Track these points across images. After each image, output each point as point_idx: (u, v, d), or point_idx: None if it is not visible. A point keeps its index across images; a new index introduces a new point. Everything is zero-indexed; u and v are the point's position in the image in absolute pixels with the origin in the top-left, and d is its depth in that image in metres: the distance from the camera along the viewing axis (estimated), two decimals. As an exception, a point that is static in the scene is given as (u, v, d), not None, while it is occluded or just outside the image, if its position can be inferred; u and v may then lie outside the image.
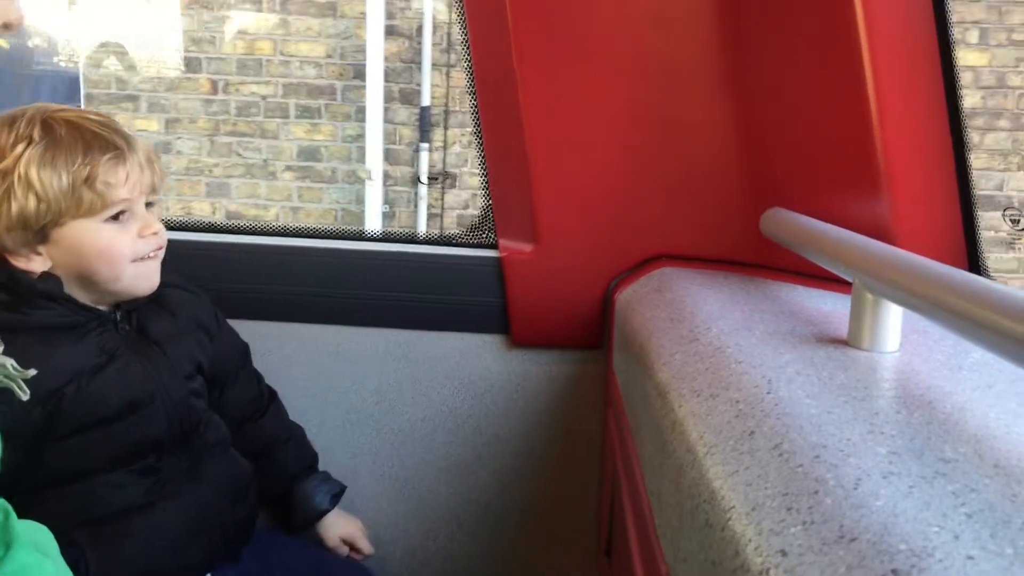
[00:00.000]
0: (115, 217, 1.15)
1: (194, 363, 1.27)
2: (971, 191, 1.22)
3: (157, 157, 1.21)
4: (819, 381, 0.85)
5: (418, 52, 5.18)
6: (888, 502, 0.57)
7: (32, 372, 1.00)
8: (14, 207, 1.10)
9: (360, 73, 5.17)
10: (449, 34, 5.18)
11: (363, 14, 5.09)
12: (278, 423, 1.44)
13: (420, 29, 5.16)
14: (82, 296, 1.17)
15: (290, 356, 1.51)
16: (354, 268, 1.50)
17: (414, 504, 1.57)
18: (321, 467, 1.46)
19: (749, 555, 0.59)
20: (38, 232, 1.12)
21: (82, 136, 1.13)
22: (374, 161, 5.19)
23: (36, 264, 1.14)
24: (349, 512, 1.45)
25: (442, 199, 5.32)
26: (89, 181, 1.11)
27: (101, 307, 1.19)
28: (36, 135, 1.11)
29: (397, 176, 5.34)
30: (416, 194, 5.31)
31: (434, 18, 5.17)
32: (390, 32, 5.17)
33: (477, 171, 5.12)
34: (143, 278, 1.19)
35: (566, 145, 1.37)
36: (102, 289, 1.18)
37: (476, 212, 5.30)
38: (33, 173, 1.09)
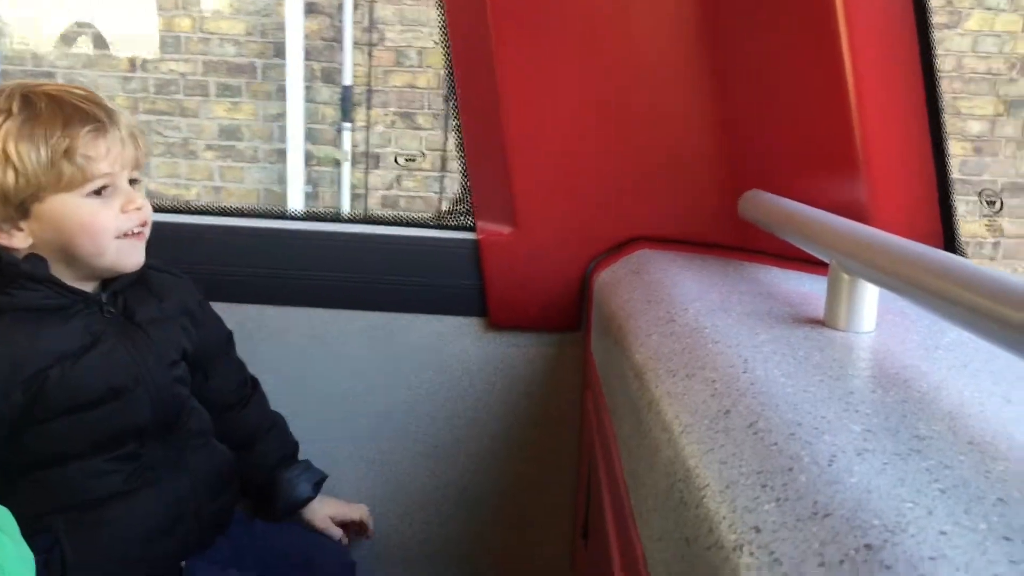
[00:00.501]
0: (97, 192, 1.13)
1: (179, 349, 1.25)
2: (948, 172, 1.22)
3: (141, 133, 1.19)
4: (795, 361, 0.84)
5: (339, 31, 5.14)
6: (862, 479, 0.57)
7: None
8: None
9: (281, 51, 5.12)
10: (371, 12, 5.14)
11: None
12: (260, 412, 1.42)
13: (341, 7, 5.12)
14: (67, 275, 1.16)
15: (266, 338, 1.50)
16: (331, 250, 1.49)
17: (391, 488, 1.56)
18: (299, 451, 1.45)
19: (723, 532, 0.58)
20: (19, 207, 1.10)
21: (62, 109, 1.11)
22: (295, 140, 5.16)
23: (18, 240, 1.12)
24: (327, 495, 1.45)
25: (366, 179, 5.30)
26: (69, 154, 1.10)
27: (87, 288, 1.18)
28: (15, 108, 1.10)
29: (319, 156, 5.32)
30: (339, 174, 5.28)
31: None
32: (311, 10, 5.13)
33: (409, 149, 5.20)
34: (127, 254, 1.17)
35: (544, 127, 1.36)
36: (86, 265, 1.16)
37: (400, 193, 5.30)
38: (11, 147, 1.08)
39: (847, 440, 0.63)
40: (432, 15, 5.06)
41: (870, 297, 0.91)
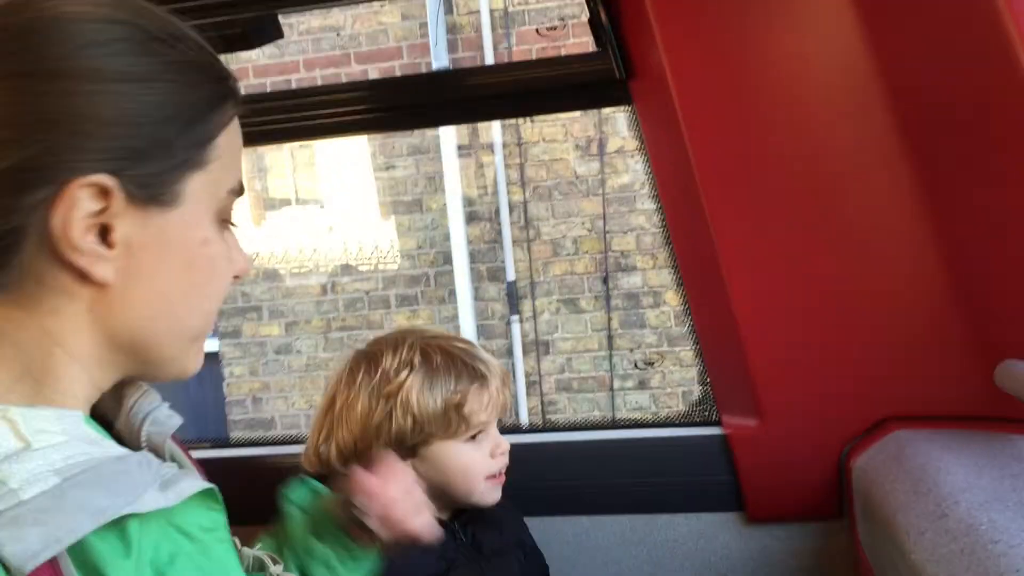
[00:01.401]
0: (472, 437, 1.26)
1: None
2: None
3: (509, 379, 1.32)
4: None
5: (499, 232, 5.62)
6: None
7: None
8: (394, 426, 1.22)
9: (449, 259, 5.64)
10: (525, 212, 5.59)
11: (445, 205, 5.61)
12: None
13: (498, 211, 5.60)
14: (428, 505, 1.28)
15: None
16: (582, 458, 1.55)
17: None
18: None
19: None
20: (409, 448, 1.24)
21: (454, 365, 1.25)
22: (468, 338, 5.53)
23: None
24: None
25: (538, 366, 5.62)
26: (458, 408, 1.23)
27: (442, 516, 1.29)
28: (416, 362, 1.24)
29: (492, 349, 5.63)
30: (512, 363, 5.60)
31: (509, 200, 5.58)
32: (471, 218, 5.65)
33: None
34: (490, 494, 1.29)
35: (777, 315, 1.37)
36: (453, 501, 1.28)
37: (572, 375, 5.58)
38: (413, 398, 1.22)
39: None
40: (581, 206, 5.51)
41: None
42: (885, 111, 1.23)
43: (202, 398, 6.14)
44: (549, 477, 1.55)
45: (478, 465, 1.26)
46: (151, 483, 0.65)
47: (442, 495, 1.27)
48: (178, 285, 0.70)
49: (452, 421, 1.23)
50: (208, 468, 1.74)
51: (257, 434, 5.39)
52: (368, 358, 1.28)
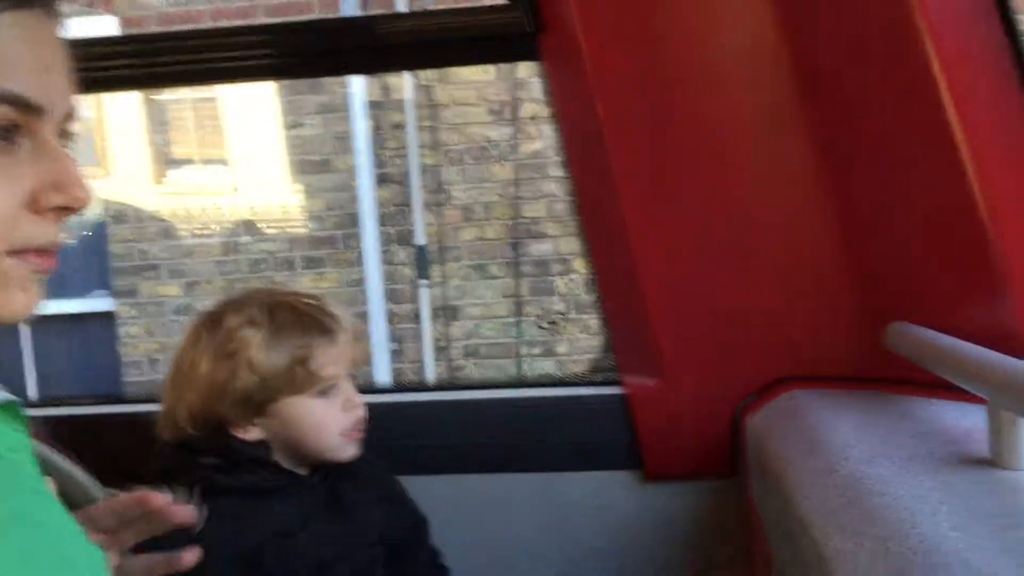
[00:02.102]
0: (323, 392, 1.24)
1: (378, 532, 1.31)
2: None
3: (362, 333, 1.31)
4: (965, 510, 0.84)
5: (409, 195, 5.55)
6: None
7: None
8: (238, 385, 1.20)
9: (357, 221, 5.56)
10: (437, 175, 5.54)
11: (353, 166, 5.50)
12: None
13: (408, 173, 5.53)
14: (285, 461, 1.26)
15: (425, 508, 1.54)
16: (481, 416, 1.54)
17: None
18: None
19: None
20: (256, 406, 1.22)
21: (300, 321, 1.23)
22: (376, 302, 5.50)
23: (252, 434, 1.23)
24: None
25: (447, 332, 5.60)
26: (304, 362, 1.21)
27: (300, 471, 1.27)
28: (260, 319, 1.22)
29: (401, 314, 5.63)
30: (420, 329, 5.58)
31: (421, 162, 5.51)
32: (382, 180, 5.57)
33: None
34: (346, 448, 1.27)
35: (679, 277, 1.39)
36: (307, 456, 1.26)
37: (480, 341, 5.56)
38: (256, 355, 1.20)
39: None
40: (493, 171, 5.46)
41: (1038, 434, 0.90)
42: (790, 74, 1.25)
43: (96, 359, 5.96)
44: (447, 435, 1.55)
45: (330, 420, 1.25)
46: None
47: (296, 452, 1.26)
48: None
49: (298, 376, 1.22)
50: (96, 425, 1.69)
51: (156, 396, 5.26)
52: (212, 318, 1.26)
